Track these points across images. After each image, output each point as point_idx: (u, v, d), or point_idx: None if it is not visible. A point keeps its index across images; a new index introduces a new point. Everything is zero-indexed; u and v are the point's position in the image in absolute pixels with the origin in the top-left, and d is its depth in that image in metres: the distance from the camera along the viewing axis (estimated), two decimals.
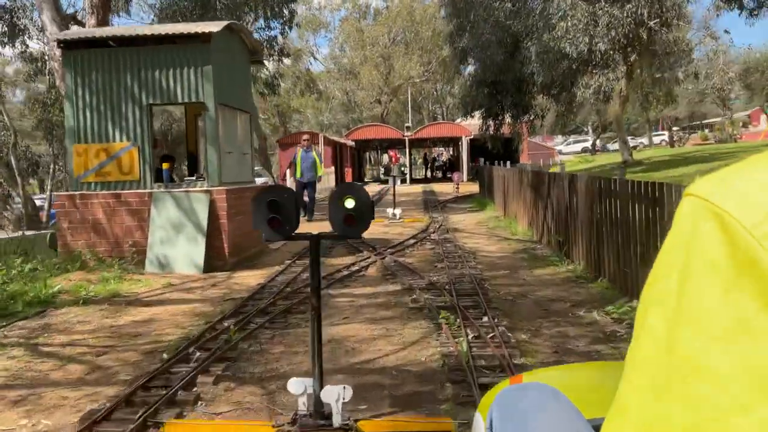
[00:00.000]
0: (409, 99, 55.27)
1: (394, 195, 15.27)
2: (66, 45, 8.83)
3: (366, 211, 3.26)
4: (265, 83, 20.56)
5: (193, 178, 9.09)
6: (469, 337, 4.83)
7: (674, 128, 61.89)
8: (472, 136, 35.81)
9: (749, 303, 0.44)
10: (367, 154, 56.36)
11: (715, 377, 0.45)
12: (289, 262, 8.98)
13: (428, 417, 3.48)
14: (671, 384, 0.47)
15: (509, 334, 4.98)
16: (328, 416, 3.18)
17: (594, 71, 17.42)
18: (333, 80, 58.04)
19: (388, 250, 9.84)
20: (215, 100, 8.54)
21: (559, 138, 58.74)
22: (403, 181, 33.27)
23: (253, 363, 4.62)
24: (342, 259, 9.31)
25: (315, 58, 63.87)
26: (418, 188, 30.49)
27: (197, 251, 8.25)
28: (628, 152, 22.96)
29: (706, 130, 49.51)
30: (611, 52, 17.07)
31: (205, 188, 8.56)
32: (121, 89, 8.59)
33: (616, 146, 57.25)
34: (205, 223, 8.30)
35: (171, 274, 8.21)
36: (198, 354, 4.69)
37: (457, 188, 26.82)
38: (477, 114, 21.99)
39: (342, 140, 37.57)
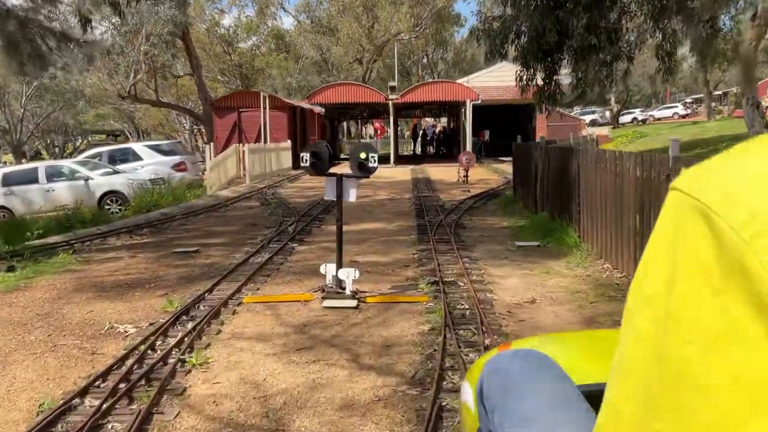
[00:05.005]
0: (396, 59, 45.37)
1: (339, 221, 5.67)
2: None
3: None
4: None
5: None
6: None
7: (688, 100, 52.74)
8: (479, 101, 26.10)
9: (739, 308, 0.41)
10: (345, 124, 46.24)
11: (705, 389, 0.42)
12: None
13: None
14: (662, 394, 0.44)
15: None
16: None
17: None
18: (305, 34, 47.84)
19: None
20: None
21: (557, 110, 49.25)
22: (385, 161, 23.58)
23: None
24: None
25: (284, 9, 53.62)
26: (406, 173, 20.83)
27: None
28: (762, 120, 13.55)
29: (714, 104, 40.83)
30: None
31: None
32: None
33: (626, 119, 48.12)
34: None
35: None
36: None
37: (465, 177, 17.35)
38: (498, 66, 12.38)
39: (305, 105, 27.55)
